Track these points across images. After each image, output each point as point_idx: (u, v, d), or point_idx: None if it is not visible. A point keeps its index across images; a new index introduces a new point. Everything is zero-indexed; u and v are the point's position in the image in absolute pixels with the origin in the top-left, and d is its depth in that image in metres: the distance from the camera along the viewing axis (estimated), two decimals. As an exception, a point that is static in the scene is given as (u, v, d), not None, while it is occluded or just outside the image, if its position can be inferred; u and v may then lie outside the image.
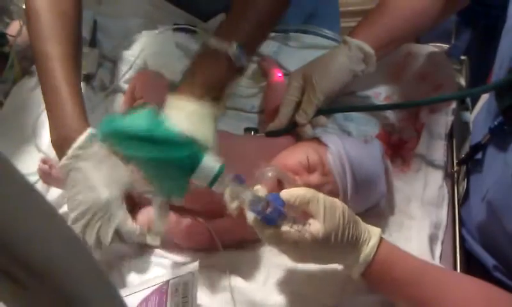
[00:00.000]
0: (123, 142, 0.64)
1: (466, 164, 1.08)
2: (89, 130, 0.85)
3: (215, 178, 0.67)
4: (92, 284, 0.42)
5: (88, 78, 1.19)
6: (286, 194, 0.75)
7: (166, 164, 0.63)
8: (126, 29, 1.25)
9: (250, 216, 0.73)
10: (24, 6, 1.22)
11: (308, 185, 0.86)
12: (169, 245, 0.91)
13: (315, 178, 0.90)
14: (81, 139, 0.84)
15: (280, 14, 0.97)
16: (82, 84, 1.19)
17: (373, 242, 0.77)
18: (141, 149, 0.63)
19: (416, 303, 0.76)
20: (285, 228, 0.72)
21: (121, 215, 0.83)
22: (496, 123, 0.95)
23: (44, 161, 0.97)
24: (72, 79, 0.89)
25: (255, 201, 0.70)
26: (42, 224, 0.38)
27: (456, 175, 1.08)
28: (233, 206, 0.70)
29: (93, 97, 1.18)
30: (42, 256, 0.36)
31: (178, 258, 0.90)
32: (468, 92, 1.09)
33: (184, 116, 0.74)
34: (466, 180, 1.07)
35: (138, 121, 0.64)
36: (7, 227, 0.34)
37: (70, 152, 0.83)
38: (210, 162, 0.67)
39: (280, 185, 0.86)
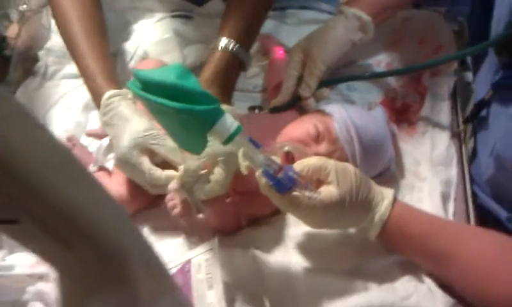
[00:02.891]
0: (151, 89, 0.66)
1: (472, 122, 1.09)
2: (109, 92, 0.91)
3: (231, 136, 0.69)
4: (133, 246, 0.44)
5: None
6: (298, 165, 0.77)
7: (188, 114, 0.65)
8: (123, 21, 1.26)
9: (262, 181, 0.74)
10: (20, 8, 1.24)
11: (318, 154, 0.87)
12: (186, 226, 0.92)
13: (323, 147, 0.91)
14: (103, 102, 0.90)
15: (268, 4, 1.03)
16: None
17: (387, 201, 0.78)
18: (167, 97, 0.64)
19: (434, 257, 0.78)
20: (295, 194, 0.73)
21: (139, 163, 0.85)
22: (497, 78, 0.96)
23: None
24: (95, 48, 0.96)
25: (268, 164, 0.71)
26: (86, 187, 0.40)
27: (462, 134, 1.09)
28: (244, 164, 0.71)
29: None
30: (88, 218, 0.38)
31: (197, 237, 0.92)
32: (468, 51, 1.10)
33: None
34: (473, 138, 1.08)
35: (168, 72, 0.66)
36: (56, 191, 0.36)
37: (101, 109, 0.91)
38: (230, 121, 0.69)
39: (293, 161, 0.88)
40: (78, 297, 0.43)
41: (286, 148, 0.88)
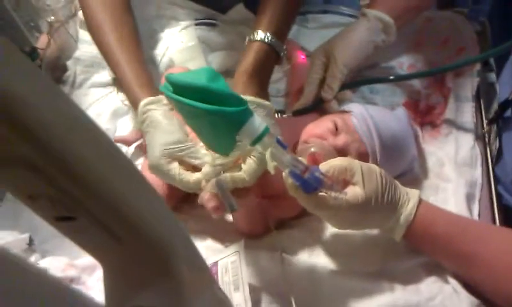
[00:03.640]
0: (182, 91, 0.68)
1: (496, 122, 1.09)
2: (145, 100, 0.91)
3: (259, 137, 0.70)
4: (178, 240, 0.46)
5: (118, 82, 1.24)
6: (324, 165, 0.78)
7: (218, 116, 0.67)
8: (150, 30, 1.29)
9: (288, 181, 0.75)
10: (49, 20, 1.28)
11: (336, 147, 0.90)
12: (213, 230, 0.94)
13: (341, 138, 0.93)
14: (140, 110, 0.91)
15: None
16: (111, 88, 1.24)
17: (413, 202, 0.78)
18: (197, 100, 0.67)
19: (459, 257, 0.78)
20: (321, 194, 0.74)
21: (168, 170, 0.86)
22: (522, 77, 0.95)
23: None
24: (129, 55, 0.98)
25: (294, 164, 0.72)
26: (133, 181, 0.42)
27: (486, 135, 1.09)
28: (272, 164, 0.73)
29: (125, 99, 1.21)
30: (137, 211, 0.40)
31: (222, 240, 0.93)
32: (492, 52, 1.09)
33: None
34: (498, 138, 1.08)
35: (198, 74, 0.68)
36: (109, 186, 0.38)
37: (139, 117, 0.92)
38: (257, 122, 0.70)
39: (319, 162, 0.89)
40: (126, 292, 0.45)
41: (312, 149, 0.89)
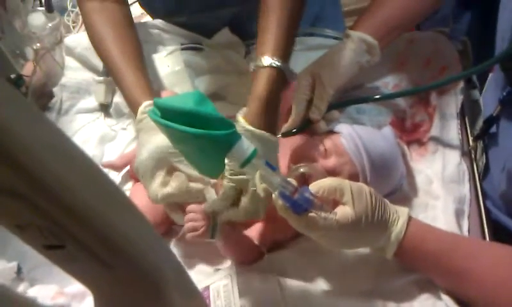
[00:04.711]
0: (170, 116, 0.68)
1: (482, 139, 1.10)
2: (144, 103, 0.93)
3: (248, 160, 0.71)
4: (168, 266, 0.46)
5: (105, 108, 1.24)
6: (314, 186, 0.78)
7: (206, 139, 0.67)
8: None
9: (278, 203, 0.75)
10: (34, 47, 1.28)
11: (327, 169, 0.90)
12: (204, 253, 0.93)
13: (332, 161, 0.94)
14: (140, 110, 0.92)
15: (300, 14, 0.99)
16: (98, 114, 1.24)
17: (402, 220, 0.79)
18: (185, 124, 0.67)
19: (451, 274, 0.78)
20: (312, 215, 0.74)
21: (150, 179, 0.87)
22: (505, 93, 0.97)
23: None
24: (131, 67, 0.99)
25: (284, 186, 0.72)
26: (122, 208, 0.42)
27: (473, 151, 1.10)
28: (261, 187, 0.73)
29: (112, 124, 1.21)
30: (127, 238, 0.40)
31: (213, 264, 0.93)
32: (474, 69, 1.11)
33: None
34: (484, 154, 1.09)
35: (186, 98, 0.69)
36: (98, 214, 0.38)
37: (138, 116, 0.93)
38: (245, 145, 0.71)
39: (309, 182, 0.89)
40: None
41: (301, 170, 0.89)
